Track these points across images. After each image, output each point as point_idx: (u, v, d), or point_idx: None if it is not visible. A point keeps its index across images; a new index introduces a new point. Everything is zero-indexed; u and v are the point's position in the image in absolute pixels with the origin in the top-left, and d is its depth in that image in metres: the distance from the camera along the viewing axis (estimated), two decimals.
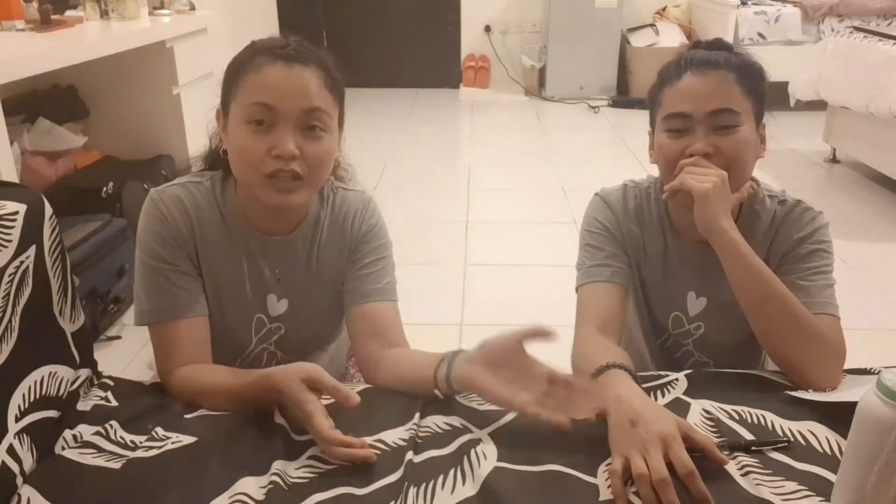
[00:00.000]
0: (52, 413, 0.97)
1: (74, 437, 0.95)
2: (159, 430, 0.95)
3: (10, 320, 0.92)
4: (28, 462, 0.89)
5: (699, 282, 1.20)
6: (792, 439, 0.92)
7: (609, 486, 0.83)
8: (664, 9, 5.85)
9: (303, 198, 1.06)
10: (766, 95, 1.12)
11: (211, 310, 1.13)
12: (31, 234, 0.98)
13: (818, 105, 3.79)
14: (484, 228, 3.23)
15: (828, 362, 1.04)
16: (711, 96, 1.06)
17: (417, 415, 0.98)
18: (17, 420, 0.90)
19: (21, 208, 0.97)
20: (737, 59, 1.10)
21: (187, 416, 0.99)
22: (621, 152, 4.40)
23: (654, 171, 1.25)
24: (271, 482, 0.84)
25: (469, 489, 0.84)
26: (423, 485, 0.85)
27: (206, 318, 1.12)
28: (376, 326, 1.14)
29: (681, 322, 1.24)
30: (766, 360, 1.29)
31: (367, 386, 1.07)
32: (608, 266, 1.17)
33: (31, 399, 0.94)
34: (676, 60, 1.13)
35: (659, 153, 1.13)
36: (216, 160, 1.15)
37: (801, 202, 1.17)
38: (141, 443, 0.93)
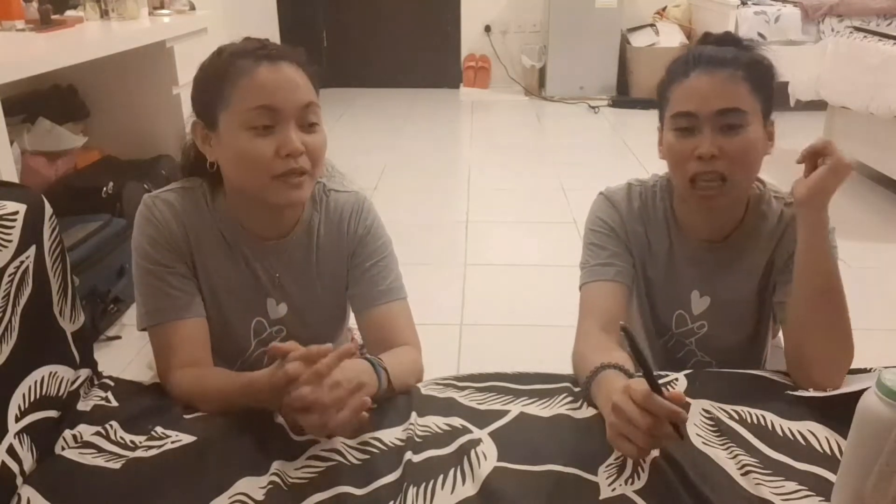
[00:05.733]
0: (52, 413, 0.97)
1: (74, 437, 0.95)
2: (159, 430, 0.95)
3: (10, 320, 0.92)
4: (28, 462, 0.89)
5: (703, 281, 1.21)
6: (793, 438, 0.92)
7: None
8: (664, 9, 5.85)
9: (308, 191, 1.07)
10: (774, 92, 1.11)
11: (209, 313, 1.13)
12: (31, 234, 0.98)
13: (818, 105, 3.78)
14: (484, 228, 3.23)
15: (844, 363, 1.04)
16: (718, 96, 1.05)
17: (414, 414, 0.98)
18: (18, 420, 0.90)
19: (21, 208, 0.97)
20: (746, 55, 1.09)
21: (187, 416, 0.99)
22: (621, 152, 4.40)
23: (658, 168, 1.25)
24: (271, 482, 0.85)
25: (469, 489, 0.84)
26: (423, 484, 0.85)
27: (204, 320, 1.11)
28: (385, 330, 1.14)
29: (684, 321, 1.24)
30: (767, 359, 1.29)
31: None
32: (612, 265, 1.17)
33: (32, 399, 0.94)
34: (685, 56, 1.11)
35: (668, 151, 1.12)
36: (194, 171, 1.14)
37: None
38: (141, 443, 0.93)
